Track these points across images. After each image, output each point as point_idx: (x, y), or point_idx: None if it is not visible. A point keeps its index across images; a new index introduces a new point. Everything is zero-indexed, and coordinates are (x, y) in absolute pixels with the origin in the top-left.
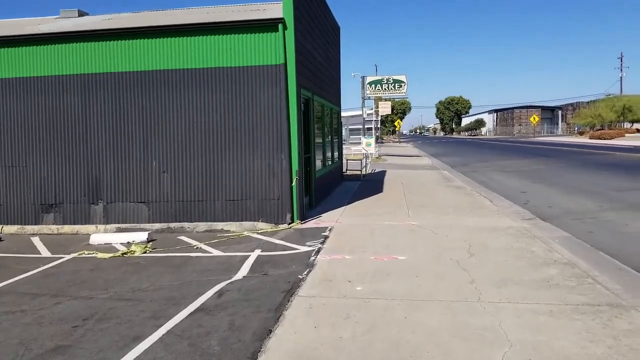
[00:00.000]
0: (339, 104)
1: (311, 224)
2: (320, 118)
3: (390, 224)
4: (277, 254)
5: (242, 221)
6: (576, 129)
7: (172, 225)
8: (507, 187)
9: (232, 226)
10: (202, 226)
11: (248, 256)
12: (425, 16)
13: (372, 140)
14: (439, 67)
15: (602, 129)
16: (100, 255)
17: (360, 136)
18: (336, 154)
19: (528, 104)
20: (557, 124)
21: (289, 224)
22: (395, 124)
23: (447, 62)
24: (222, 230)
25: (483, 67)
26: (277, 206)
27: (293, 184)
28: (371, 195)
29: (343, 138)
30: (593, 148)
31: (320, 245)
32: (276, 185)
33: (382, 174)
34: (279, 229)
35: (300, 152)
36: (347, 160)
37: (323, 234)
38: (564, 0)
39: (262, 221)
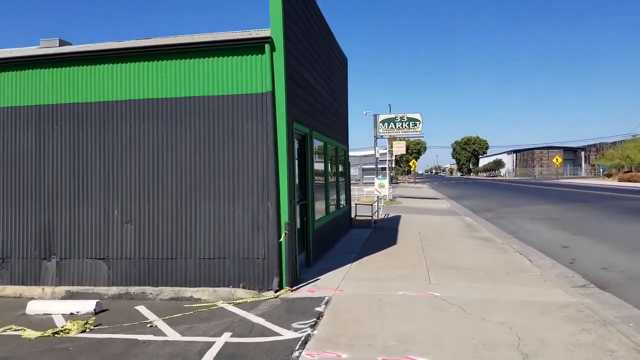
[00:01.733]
0: (346, 142)
1: (304, 291)
2: (323, 158)
3: (406, 295)
4: (250, 341)
5: (217, 287)
6: (601, 170)
7: (133, 290)
8: (543, 239)
9: (204, 293)
10: (167, 292)
11: (212, 344)
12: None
13: (386, 182)
14: (455, 107)
15: (631, 171)
16: (26, 333)
17: (373, 176)
18: (343, 197)
19: (549, 145)
20: (580, 165)
21: (276, 291)
22: (410, 164)
23: (463, 101)
24: (190, 299)
25: (500, 107)
26: (261, 268)
27: (281, 239)
28: (383, 249)
29: (356, 179)
30: (628, 192)
31: (309, 331)
32: (261, 241)
33: (397, 219)
34: (262, 298)
35: (291, 198)
36: (355, 204)
37: (317, 309)
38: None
39: (242, 286)
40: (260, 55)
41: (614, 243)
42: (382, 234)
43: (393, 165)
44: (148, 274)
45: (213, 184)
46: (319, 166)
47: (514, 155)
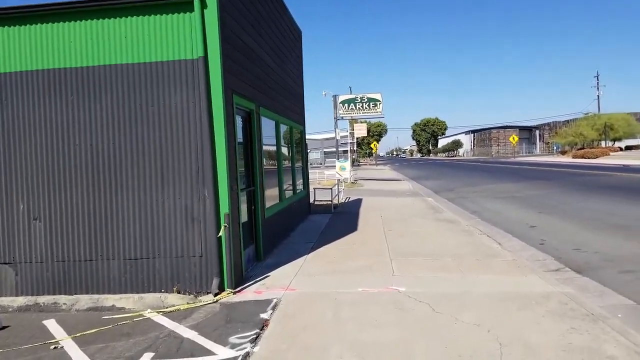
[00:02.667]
0: (302, 123)
1: (250, 292)
2: (275, 138)
3: (367, 293)
4: None
5: (145, 292)
6: (555, 148)
7: (43, 300)
8: (508, 219)
9: (128, 301)
10: (84, 301)
11: None
12: (400, 38)
13: (347, 164)
14: (414, 89)
15: (583, 148)
16: None
17: (335, 159)
18: (300, 182)
19: (505, 124)
20: (535, 143)
21: (216, 294)
22: (372, 146)
23: (422, 83)
24: (112, 309)
25: (457, 89)
26: (199, 267)
27: (220, 233)
28: (343, 236)
29: (318, 162)
30: (583, 168)
31: (249, 347)
32: (197, 236)
33: (358, 203)
34: (199, 303)
35: (232, 185)
36: (314, 189)
37: (262, 315)
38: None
39: (176, 290)
40: (189, 13)
41: (580, 221)
42: (342, 219)
43: (355, 148)
44: (63, 279)
45: (138, 169)
46: (270, 148)
47: (472, 135)
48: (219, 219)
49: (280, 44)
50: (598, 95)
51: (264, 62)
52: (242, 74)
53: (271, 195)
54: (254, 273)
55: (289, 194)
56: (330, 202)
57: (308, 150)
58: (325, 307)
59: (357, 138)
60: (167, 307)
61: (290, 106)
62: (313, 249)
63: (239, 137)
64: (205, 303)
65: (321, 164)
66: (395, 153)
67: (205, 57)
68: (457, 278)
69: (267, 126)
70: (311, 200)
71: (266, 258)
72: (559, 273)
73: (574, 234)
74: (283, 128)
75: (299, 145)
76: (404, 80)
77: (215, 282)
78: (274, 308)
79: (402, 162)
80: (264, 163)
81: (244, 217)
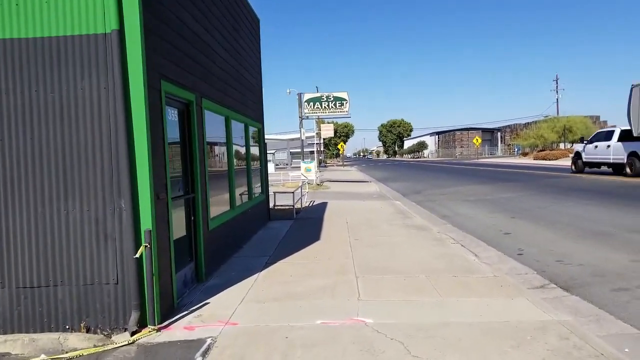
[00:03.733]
0: (260, 120)
1: (179, 329)
2: (225, 137)
3: (326, 327)
4: None
5: (40, 331)
6: (516, 150)
7: None
8: (480, 224)
9: (15, 345)
10: None
11: None
12: (366, 39)
13: (313, 165)
14: (380, 91)
15: (544, 150)
16: None
17: (297, 161)
18: (258, 185)
19: (468, 126)
20: (497, 145)
21: (134, 332)
22: (339, 147)
23: (388, 85)
24: None
25: (423, 90)
26: (114, 297)
27: (138, 254)
28: (303, 247)
29: (284, 163)
30: (547, 170)
31: None
32: (112, 258)
33: (323, 207)
34: (110, 346)
35: (157, 192)
36: (274, 192)
37: None
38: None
39: (84, 327)
40: None
41: (557, 226)
42: (304, 226)
43: (322, 149)
44: None
45: (34, 175)
46: (219, 148)
47: (437, 137)
48: (139, 236)
49: (232, 30)
50: (557, 99)
51: (208, 46)
52: (177, 57)
53: (219, 203)
54: (191, 299)
55: (243, 199)
56: (292, 207)
57: (271, 151)
58: (273, 350)
59: (324, 139)
60: (66, 352)
61: (246, 101)
62: (267, 264)
63: (173, 134)
64: (118, 345)
65: (287, 164)
66: (362, 154)
67: (121, 31)
68: (434, 303)
69: (215, 122)
70: (271, 205)
71: (209, 278)
72: (545, 291)
73: (554, 242)
74: (236, 125)
75: (257, 145)
76: (370, 81)
77: (134, 316)
78: (205, 354)
79: (368, 163)
80: (210, 165)
81: (179, 231)
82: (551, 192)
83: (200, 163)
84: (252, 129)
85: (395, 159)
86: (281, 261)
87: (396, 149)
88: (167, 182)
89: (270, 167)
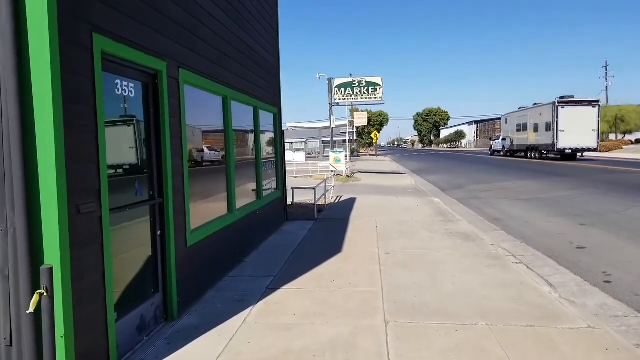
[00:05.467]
0: (277, 104)
1: None
2: (224, 122)
3: None
4: None
5: None
6: None
7: None
8: (543, 233)
9: None
10: None
11: None
12: (402, 25)
13: (342, 155)
14: (416, 79)
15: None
16: None
17: (329, 150)
18: (271, 181)
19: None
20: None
21: None
22: (372, 135)
23: (424, 73)
24: None
25: (460, 79)
26: None
27: (31, 306)
28: (319, 264)
29: (316, 152)
30: (602, 162)
31: None
32: (2, 307)
33: (350, 205)
34: None
35: (77, 203)
36: (292, 188)
37: None
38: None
39: None
40: None
41: None
42: (325, 231)
43: (355, 138)
44: None
45: None
46: (211, 136)
47: (475, 126)
48: (36, 273)
49: None
50: (607, 86)
51: (194, 2)
52: (131, 5)
53: (208, 208)
54: (144, 355)
55: (247, 199)
56: (319, 203)
57: (302, 140)
58: None
59: (357, 127)
60: None
61: (256, 80)
62: (269, 290)
63: (128, 115)
64: None
65: (319, 153)
66: (396, 143)
67: None
68: None
69: (204, 102)
70: (290, 201)
71: (184, 314)
72: None
73: None
74: (240, 108)
75: (272, 133)
76: (405, 69)
77: None
78: None
79: (403, 153)
80: (194, 158)
81: (133, 253)
82: (617, 190)
83: (175, 156)
84: (264, 114)
85: (432, 148)
86: (287, 286)
87: (432, 138)
88: (100, 185)
89: (301, 157)
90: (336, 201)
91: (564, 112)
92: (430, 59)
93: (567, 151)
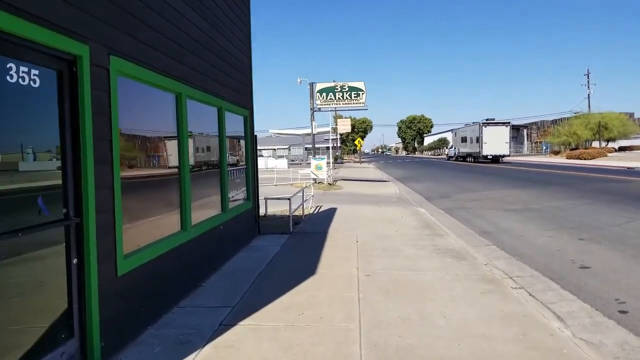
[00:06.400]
0: (247, 106)
1: None
2: (177, 124)
3: None
4: None
5: None
6: (544, 148)
7: None
8: (540, 249)
9: None
10: None
11: None
12: (386, 32)
13: (324, 163)
14: (400, 86)
15: (577, 148)
16: None
17: (310, 157)
18: (238, 192)
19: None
20: (523, 142)
21: None
22: (356, 142)
23: (408, 80)
24: None
25: (443, 86)
26: None
27: None
28: (288, 289)
29: (300, 159)
30: (587, 170)
31: None
32: None
33: (330, 215)
34: None
35: None
36: (265, 199)
37: None
38: (523, 19)
39: None
40: None
41: None
42: (299, 247)
43: (339, 145)
44: None
45: None
46: (159, 141)
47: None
48: None
49: None
50: (589, 94)
51: None
52: None
53: (152, 226)
54: None
55: (207, 214)
56: (296, 214)
57: (285, 147)
58: None
59: (340, 134)
60: None
61: (221, 78)
62: (221, 328)
63: (26, 112)
64: None
65: (302, 160)
66: (380, 150)
67: None
68: None
69: (149, 99)
70: (264, 213)
71: None
72: None
73: None
74: (200, 108)
75: (245, 138)
76: (389, 76)
77: None
78: None
79: (387, 160)
80: (132, 165)
81: (41, 291)
82: (614, 200)
83: (99, 163)
84: (233, 117)
85: (415, 155)
86: (246, 321)
87: (416, 145)
88: None
89: (283, 163)
90: (315, 212)
91: (486, 130)
92: (414, 67)
93: (489, 157)
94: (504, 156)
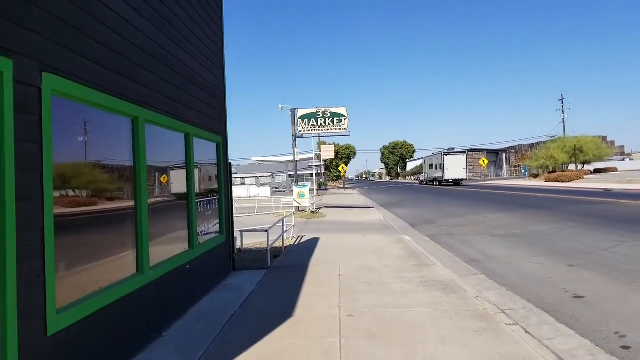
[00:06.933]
0: (221, 132)
1: None
2: (134, 152)
3: None
4: None
5: None
6: (523, 171)
7: None
8: (530, 277)
9: None
10: None
11: None
12: (369, 58)
13: (306, 190)
14: (382, 113)
15: (555, 172)
16: None
17: (302, 183)
18: (209, 226)
19: (472, 147)
20: (502, 166)
21: None
22: (340, 169)
23: (390, 107)
24: None
25: (424, 112)
26: None
27: None
28: (259, 338)
29: (283, 186)
30: (568, 193)
31: None
32: None
33: (311, 247)
34: None
35: None
36: (241, 231)
37: None
38: (500, 44)
39: None
40: None
41: None
42: (277, 284)
43: (322, 171)
44: None
45: None
46: (112, 172)
47: None
48: None
49: None
50: (563, 118)
51: None
52: None
53: (99, 271)
54: None
55: (171, 252)
56: (276, 246)
57: (268, 174)
58: None
59: (324, 160)
60: None
61: (188, 100)
62: None
63: None
64: None
65: (286, 187)
66: (364, 176)
67: None
68: None
69: (105, 125)
70: (239, 246)
71: None
72: None
73: None
74: (164, 134)
75: (213, 166)
76: (371, 103)
77: None
78: None
79: (371, 186)
80: (75, 202)
81: None
82: (599, 224)
83: (22, 198)
84: (203, 143)
85: (399, 180)
86: None
87: (399, 170)
88: None
89: (266, 191)
90: (296, 242)
91: (447, 158)
92: (397, 93)
93: (450, 181)
94: (462, 180)
